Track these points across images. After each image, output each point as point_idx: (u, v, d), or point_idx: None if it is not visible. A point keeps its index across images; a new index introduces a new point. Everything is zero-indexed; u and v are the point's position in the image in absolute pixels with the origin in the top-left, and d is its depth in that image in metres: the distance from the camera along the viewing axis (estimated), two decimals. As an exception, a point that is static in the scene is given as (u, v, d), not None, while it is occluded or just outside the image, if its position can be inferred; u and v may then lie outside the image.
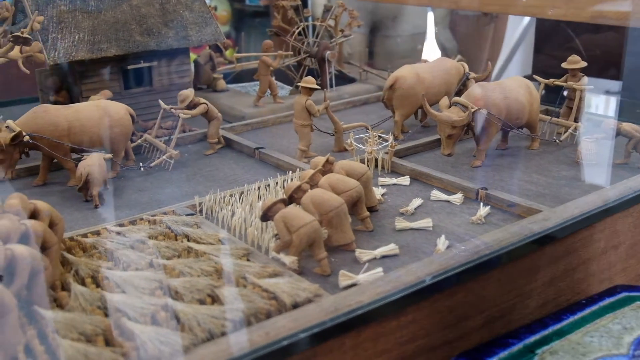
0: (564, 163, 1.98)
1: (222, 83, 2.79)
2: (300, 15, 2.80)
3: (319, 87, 2.02)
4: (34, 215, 1.37)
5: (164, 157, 2.03)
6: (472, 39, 4.13)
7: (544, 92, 2.27)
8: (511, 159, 2.04)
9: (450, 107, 1.92)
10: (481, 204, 1.68)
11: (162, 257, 1.39)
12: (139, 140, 2.16)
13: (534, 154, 2.07)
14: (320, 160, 1.64)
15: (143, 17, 2.40)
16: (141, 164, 2.01)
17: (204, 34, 2.48)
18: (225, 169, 2.04)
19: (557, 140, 2.07)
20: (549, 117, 2.17)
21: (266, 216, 1.42)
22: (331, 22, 3.05)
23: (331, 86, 2.75)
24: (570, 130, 2.09)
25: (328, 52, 2.71)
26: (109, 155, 1.89)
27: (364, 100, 2.70)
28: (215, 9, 4.41)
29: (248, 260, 1.38)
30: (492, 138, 1.98)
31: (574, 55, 2.19)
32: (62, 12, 2.27)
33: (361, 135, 2.03)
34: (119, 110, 1.97)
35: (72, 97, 2.40)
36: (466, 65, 2.35)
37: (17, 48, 2.02)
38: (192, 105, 2.12)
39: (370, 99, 2.71)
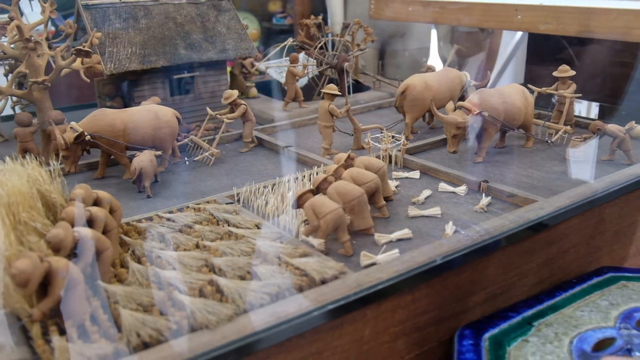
0: (555, 160, 1.96)
1: (254, 91, 2.79)
2: (322, 31, 2.79)
3: (340, 94, 2.01)
4: (96, 203, 1.38)
5: (207, 153, 2.03)
6: (471, 52, 4.10)
7: (536, 97, 2.24)
8: (509, 156, 2.02)
9: (455, 110, 1.90)
10: (483, 194, 1.66)
11: (207, 240, 1.39)
12: (186, 140, 2.17)
13: (529, 151, 2.05)
14: (342, 156, 1.63)
15: (187, 34, 2.40)
16: (186, 158, 2.02)
17: (239, 49, 2.48)
18: (259, 165, 2.04)
19: (549, 142, 2.05)
20: (542, 122, 2.14)
21: (297, 204, 1.42)
22: (348, 38, 3.04)
23: (349, 93, 2.74)
24: (560, 133, 2.06)
25: (346, 63, 2.70)
26: (159, 153, 1.90)
27: (378, 105, 2.69)
28: (247, 27, 4.41)
29: (281, 242, 1.38)
30: (492, 137, 1.96)
31: (563, 65, 2.16)
32: (116, 29, 2.29)
33: (377, 135, 2.02)
34: (167, 113, 1.97)
35: (125, 103, 2.41)
36: (468, 75, 2.33)
37: (79, 60, 2.03)
38: (233, 104, 2.13)
39: (384, 104, 2.69)
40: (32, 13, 3.42)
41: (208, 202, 1.64)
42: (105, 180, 1.95)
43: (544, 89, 2.21)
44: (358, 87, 2.92)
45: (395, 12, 3.14)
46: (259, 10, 4.49)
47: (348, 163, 1.62)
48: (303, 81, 2.89)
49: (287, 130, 2.42)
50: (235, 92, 2.13)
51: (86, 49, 1.95)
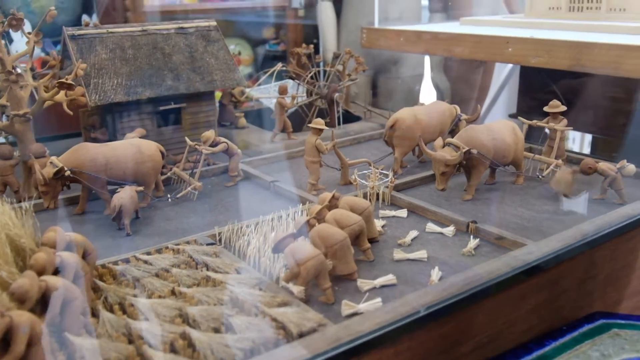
0: (545, 197, 1.91)
1: (242, 121, 2.75)
2: (312, 61, 2.76)
3: (327, 128, 1.97)
4: (69, 246, 1.32)
5: (189, 188, 1.99)
6: (463, 81, 4.08)
7: (527, 130, 2.20)
8: (498, 193, 1.97)
9: (444, 147, 1.86)
10: (471, 236, 1.61)
11: (183, 285, 1.33)
12: (169, 173, 2.12)
13: (519, 188, 2.01)
14: (327, 196, 1.58)
15: (174, 64, 2.37)
16: (169, 195, 1.97)
17: (227, 79, 2.45)
18: (244, 200, 1.99)
19: (540, 176, 2.01)
20: (532, 155, 2.10)
21: (277, 249, 1.37)
22: (340, 67, 3.02)
23: (339, 124, 2.71)
24: (551, 167, 2.02)
25: (336, 94, 2.67)
26: (140, 188, 1.85)
27: (368, 137, 2.65)
28: (240, 53, 4.38)
29: (260, 289, 1.33)
30: (481, 175, 1.92)
31: (554, 100, 2.13)
32: (102, 60, 2.25)
33: (364, 172, 1.97)
34: (151, 147, 1.93)
35: (110, 134, 2.37)
36: (458, 108, 2.30)
37: (62, 92, 1.99)
38: (214, 144, 2.08)
39: (374, 136, 2.66)
40: (22, 39, 3.39)
41: (188, 242, 1.59)
42: (86, 215, 1.90)
43: (534, 121, 2.18)
44: (348, 118, 2.89)
45: (387, 42, 3.12)
46: (253, 36, 4.47)
47: (332, 203, 1.58)
48: (291, 110, 2.86)
49: (275, 163, 2.38)
50: (212, 134, 2.09)
51: (69, 81, 1.91)
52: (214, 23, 2.56)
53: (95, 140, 2.35)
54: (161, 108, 2.32)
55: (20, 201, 1.98)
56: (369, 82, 4.08)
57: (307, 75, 2.72)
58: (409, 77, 4.12)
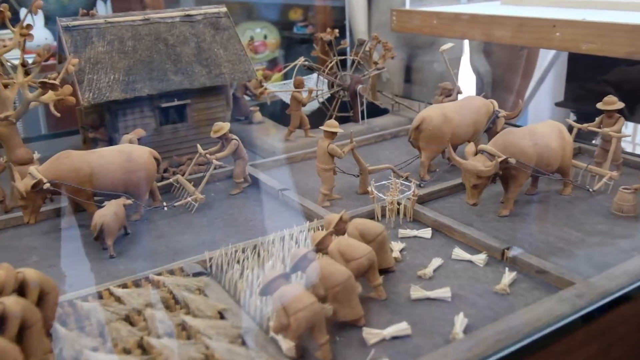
0: (598, 214, 1.61)
1: (258, 115, 2.51)
2: (333, 49, 2.48)
3: (342, 131, 1.71)
4: (21, 286, 1.11)
5: (190, 199, 1.76)
6: (504, 65, 3.72)
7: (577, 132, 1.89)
8: (541, 207, 1.68)
9: (476, 154, 1.58)
10: (506, 268, 1.33)
11: (154, 334, 1.11)
12: (171, 180, 1.90)
13: (566, 200, 1.71)
14: (333, 218, 1.33)
15: (178, 56, 2.13)
16: (165, 204, 1.75)
17: (236, 72, 2.20)
18: (247, 212, 1.75)
19: (591, 190, 1.70)
20: (585, 165, 1.78)
21: (265, 291, 1.12)
22: (366, 55, 2.73)
23: (363, 118, 2.43)
24: (604, 180, 1.71)
25: (360, 86, 2.39)
26: (129, 202, 1.63)
27: (395, 134, 2.37)
28: (265, 37, 4.14)
29: (243, 343, 1.09)
30: (521, 186, 1.63)
31: (610, 95, 1.81)
32: (99, 53, 2.03)
33: (383, 182, 1.71)
34: (143, 154, 1.71)
35: (110, 134, 2.16)
36: (495, 103, 1.99)
37: (50, 92, 1.78)
38: (224, 138, 1.85)
39: (401, 132, 2.37)
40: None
41: (172, 271, 1.36)
42: (72, 230, 1.69)
43: (585, 125, 1.86)
44: (374, 110, 2.61)
45: (418, 25, 2.80)
46: (279, 19, 4.21)
47: (340, 227, 1.33)
48: (314, 104, 2.60)
49: (288, 165, 2.13)
50: (227, 126, 1.85)
51: (51, 81, 1.69)
52: (224, 9, 2.31)
53: (94, 140, 2.15)
54: (163, 105, 2.10)
55: (6, 212, 1.80)
56: (402, 66, 3.77)
57: (326, 66, 2.45)
58: (446, 59, 3.79)
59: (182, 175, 1.93)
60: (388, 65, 2.58)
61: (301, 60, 2.51)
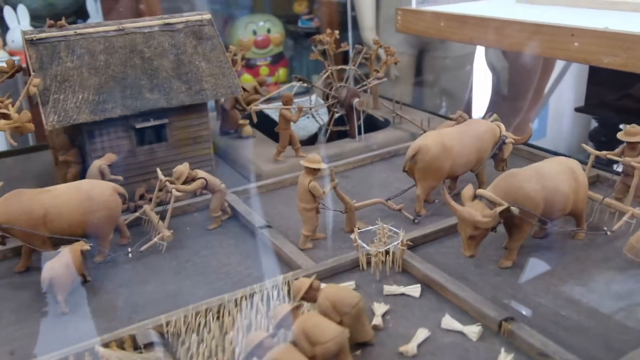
0: (615, 267, 1.41)
1: (248, 129, 2.32)
2: (328, 59, 2.27)
3: (324, 167, 1.52)
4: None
5: (155, 239, 1.59)
6: (522, 61, 3.47)
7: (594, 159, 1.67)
8: (548, 255, 1.48)
9: (474, 199, 1.38)
10: (502, 348, 1.14)
11: None
12: (139, 213, 1.73)
13: (578, 247, 1.50)
14: (302, 285, 1.15)
15: (155, 71, 1.95)
16: (129, 250, 1.58)
17: (219, 87, 2.01)
18: (221, 255, 1.58)
19: (608, 232, 1.49)
20: (601, 198, 1.57)
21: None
22: (365, 61, 2.52)
23: (359, 133, 2.23)
24: (625, 218, 1.50)
25: (356, 99, 2.18)
26: (87, 247, 1.47)
27: (394, 152, 2.17)
28: (269, 31, 3.92)
29: None
30: (526, 235, 1.43)
31: (633, 125, 1.59)
32: (67, 69, 1.86)
33: (370, 228, 1.51)
34: (104, 191, 1.54)
35: (83, 156, 1.99)
36: (502, 127, 1.78)
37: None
38: (189, 181, 1.67)
39: (400, 151, 2.17)
40: (18, 28, 3.05)
41: (123, 340, 1.20)
42: (28, 275, 1.54)
43: (604, 153, 1.64)
44: (373, 123, 2.40)
45: (424, 26, 2.58)
46: (283, 12, 3.99)
47: (310, 296, 1.15)
48: (311, 128, 2.39)
49: (275, 192, 1.95)
50: (186, 170, 1.66)
51: (2, 110, 1.53)
52: (207, 16, 2.11)
53: (66, 163, 1.99)
54: (137, 126, 1.92)
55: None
56: (412, 62, 3.55)
57: (320, 77, 2.24)
58: (459, 55, 3.55)
59: (155, 202, 1.76)
60: (385, 79, 2.37)
61: (296, 82, 2.30)
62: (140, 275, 1.50)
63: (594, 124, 3.02)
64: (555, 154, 2.03)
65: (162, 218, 1.65)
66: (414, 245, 1.53)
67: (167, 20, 2.04)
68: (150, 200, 1.90)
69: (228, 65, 2.06)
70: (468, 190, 1.39)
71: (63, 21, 1.95)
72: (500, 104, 3.53)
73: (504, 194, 1.36)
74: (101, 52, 1.92)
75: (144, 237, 1.65)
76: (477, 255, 1.39)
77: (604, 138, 2.86)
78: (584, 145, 1.69)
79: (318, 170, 1.51)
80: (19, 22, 3.04)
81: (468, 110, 3.50)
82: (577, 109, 2.97)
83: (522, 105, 3.48)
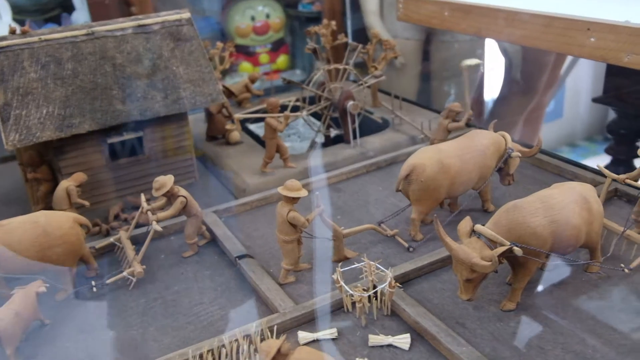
0: (634, 310, 1.23)
1: (235, 135, 2.15)
2: (319, 58, 2.08)
3: (305, 194, 1.35)
4: None
5: (125, 273, 1.45)
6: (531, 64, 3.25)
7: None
8: (558, 293, 1.30)
9: (471, 235, 1.21)
10: None
11: None
12: (112, 239, 1.59)
13: (591, 283, 1.32)
14: (271, 349, 1.00)
15: (127, 79, 1.79)
16: (93, 283, 1.44)
17: (198, 95, 1.84)
18: (194, 291, 1.43)
19: (626, 269, 1.31)
20: (620, 230, 1.38)
21: None
22: (365, 57, 2.33)
23: (354, 138, 2.05)
24: (645, 252, 1.32)
25: (350, 102, 2.00)
26: (43, 289, 1.32)
27: (391, 160, 1.99)
28: (268, 16, 3.72)
29: None
30: (531, 274, 1.25)
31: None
32: (30, 81, 1.70)
33: (355, 265, 1.35)
34: (63, 224, 1.39)
35: (54, 173, 1.84)
36: (508, 138, 1.59)
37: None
38: (169, 195, 1.51)
39: (399, 158, 1.99)
40: (4, 18, 2.88)
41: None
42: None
43: (622, 176, 1.45)
44: (370, 126, 2.22)
45: (428, 16, 2.37)
46: (283, -5, 3.77)
47: (277, 362, 1.00)
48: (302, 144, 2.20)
49: (258, 210, 1.79)
50: (170, 181, 1.51)
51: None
52: (187, 15, 1.93)
53: (36, 181, 1.84)
54: (109, 141, 1.77)
55: None
56: (418, 47, 3.33)
57: (310, 79, 2.06)
58: (469, 40, 3.33)
59: (132, 228, 1.61)
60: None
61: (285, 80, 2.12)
62: (104, 318, 1.36)
63: (612, 114, 2.80)
64: (573, 163, 1.83)
65: (138, 242, 1.50)
66: (407, 279, 1.37)
67: (141, 22, 1.87)
68: (125, 220, 1.76)
69: (209, 69, 1.88)
70: (465, 225, 1.22)
71: (27, 27, 1.79)
72: (513, 88, 3.32)
73: (506, 230, 1.18)
74: (68, 60, 1.75)
75: (116, 267, 1.51)
76: (476, 299, 1.22)
77: (624, 130, 2.64)
78: (600, 166, 1.50)
79: (296, 199, 1.35)
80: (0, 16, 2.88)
81: (479, 97, 3.28)
82: (595, 100, 2.75)
83: (536, 89, 3.27)
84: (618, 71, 2.45)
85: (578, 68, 3.33)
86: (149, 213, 1.50)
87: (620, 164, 2.59)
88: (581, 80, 3.41)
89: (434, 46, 3.34)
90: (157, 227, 1.46)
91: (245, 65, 3.75)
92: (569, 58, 3.31)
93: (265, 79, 3.63)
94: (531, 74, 3.22)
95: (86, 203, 1.67)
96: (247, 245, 1.59)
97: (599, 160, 3.35)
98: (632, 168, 2.55)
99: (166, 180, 1.50)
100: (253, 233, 1.65)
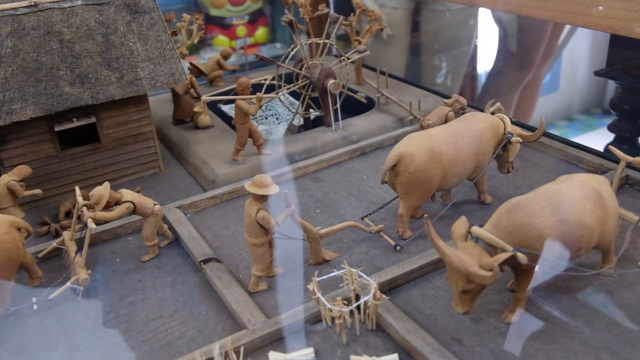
0: (654, 321, 1.09)
1: (204, 119, 1.97)
2: (296, 32, 1.90)
3: (276, 191, 1.19)
4: None
5: (69, 284, 1.28)
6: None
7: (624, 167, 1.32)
8: (567, 301, 1.16)
9: (467, 238, 1.06)
10: None
11: None
12: (55, 243, 1.42)
13: (604, 288, 1.18)
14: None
15: (77, 58, 1.61)
16: (34, 300, 1.27)
17: (159, 75, 1.67)
18: (152, 302, 1.27)
19: (644, 272, 1.17)
20: (636, 220, 1.23)
21: None
22: (348, 30, 2.15)
23: (336, 120, 1.89)
24: (665, 249, 1.18)
25: (330, 81, 1.83)
26: (-27, 306, 1.17)
27: (377, 145, 1.83)
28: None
29: None
30: (536, 282, 1.11)
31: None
32: (-37, 62, 1.52)
33: (334, 273, 1.19)
34: (-4, 229, 1.22)
35: (-2, 163, 1.67)
36: (507, 121, 1.44)
37: None
38: (112, 205, 1.34)
39: (385, 142, 1.83)
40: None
41: None
42: None
43: (638, 159, 1.30)
44: (355, 106, 2.05)
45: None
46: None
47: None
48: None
49: (229, 204, 1.63)
50: (106, 191, 1.32)
51: None
52: (145, -17, 1.74)
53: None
54: (56, 129, 1.59)
55: None
56: (407, 18, 3.16)
57: (287, 55, 1.88)
58: (461, 8, 3.15)
59: (75, 230, 1.44)
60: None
61: (268, 79, 1.94)
62: (47, 335, 1.20)
63: (613, 87, 2.66)
64: (578, 146, 1.69)
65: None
66: (395, 286, 1.23)
67: (92, -9, 1.68)
68: (79, 218, 1.60)
69: (171, 45, 1.70)
70: (460, 226, 1.07)
71: (-40, -2, 1.60)
72: (509, 61, 3.17)
73: (508, 233, 1.03)
74: (8, 36, 1.57)
75: (64, 273, 1.35)
76: (473, 311, 1.08)
77: (629, 106, 2.50)
78: (612, 147, 1.35)
79: (265, 197, 1.19)
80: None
81: (472, 72, 3.12)
82: (597, 73, 2.59)
83: (532, 61, 3.11)
84: (626, 42, 2.29)
85: (576, 38, 3.17)
86: (84, 209, 1.33)
87: (625, 141, 2.45)
88: (579, 51, 3.25)
89: (423, 16, 3.17)
90: (92, 224, 1.29)
91: (221, 39, 3.56)
92: (567, 27, 3.16)
93: (243, 53, 3.44)
94: (528, 46, 3.06)
95: (37, 191, 1.52)
96: (215, 246, 1.43)
97: (599, 136, 3.21)
98: (637, 147, 2.41)
99: (102, 192, 1.31)
100: (222, 231, 1.50)
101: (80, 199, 1.35)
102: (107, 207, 1.33)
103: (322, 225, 1.39)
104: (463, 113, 1.55)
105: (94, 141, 1.69)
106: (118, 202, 1.34)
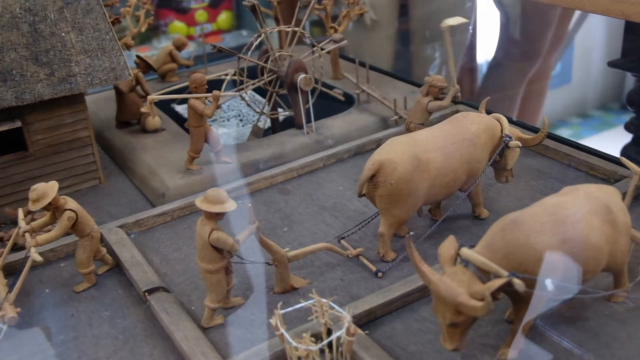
0: (673, 356, 1.10)
1: (153, 121, 1.95)
2: (260, 18, 1.89)
3: (232, 207, 1.17)
4: None
5: (-8, 321, 1.26)
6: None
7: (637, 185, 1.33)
8: (572, 332, 1.16)
9: (455, 261, 1.05)
10: None
11: None
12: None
13: (617, 319, 1.19)
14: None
15: (-1, 51, 1.58)
16: (-53, 340, 1.25)
17: (97, 70, 1.65)
18: (86, 343, 1.25)
19: (661, 297, 1.18)
20: (645, 235, 1.24)
21: None
22: (321, 16, 2.15)
23: (308, 122, 1.88)
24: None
25: (300, 75, 1.82)
26: None
27: (355, 150, 1.83)
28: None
29: None
30: (536, 312, 1.11)
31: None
32: None
33: (301, 305, 1.18)
34: None
35: None
36: (504, 122, 1.44)
37: None
38: (52, 208, 1.32)
39: (366, 147, 1.83)
40: None
41: None
42: None
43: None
44: (330, 104, 2.05)
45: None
46: None
47: None
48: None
49: (181, 221, 1.61)
50: (52, 190, 1.31)
51: None
52: (80, -37, 1.72)
53: None
54: (-26, 135, 1.57)
55: None
56: (393, 1, 3.19)
57: (249, 46, 1.87)
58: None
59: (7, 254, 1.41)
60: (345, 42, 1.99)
61: (229, 75, 1.93)
62: (-41, 384, 1.18)
63: (631, 80, 2.70)
64: (587, 150, 1.70)
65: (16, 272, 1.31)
66: (374, 318, 1.22)
67: (17, -27, 1.66)
68: (1, 240, 1.57)
69: (110, 35, 1.69)
70: (448, 248, 1.07)
71: None
72: (512, 50, 3.20)
73: (503, 255, 1.03)
74: None
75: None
76: (464, 347, 1.07)
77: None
78: (623, 159, 1.35)
79: (222, 215, 1.17)
80: None
81: (468, 66, 3.14)
82: (611, 64, 2.63)
83: (539, 50, 3.14)
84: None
85: (588, 24, 3.21)
86: (27, 235, 1.31)
87: (643, 143, 2.48)
88: (594, 38, 3.30)
89: (412, -1, 3.21)
90: (36, 256, 1.27)
91: (177, 26, 3.56)
92: (577, 12, 3.20)
93: (203, 41, 3.44)
94: (533, 32, 3.09)
95: None
96: (163, 272, 1.42)
97: (617, 135, 3.25)
98: (658, 150, 2.43)
99: (47, 190, 1.30)
100: (172, 255, 1.48)
101: (22, 223, 1.33)
102: (47, 209, 1.31)
103: (290, 246, 1.39)
104: (444, 94, 1.57)
105: (20, 149, 1.67)
106: (59, 208, 1.31)
